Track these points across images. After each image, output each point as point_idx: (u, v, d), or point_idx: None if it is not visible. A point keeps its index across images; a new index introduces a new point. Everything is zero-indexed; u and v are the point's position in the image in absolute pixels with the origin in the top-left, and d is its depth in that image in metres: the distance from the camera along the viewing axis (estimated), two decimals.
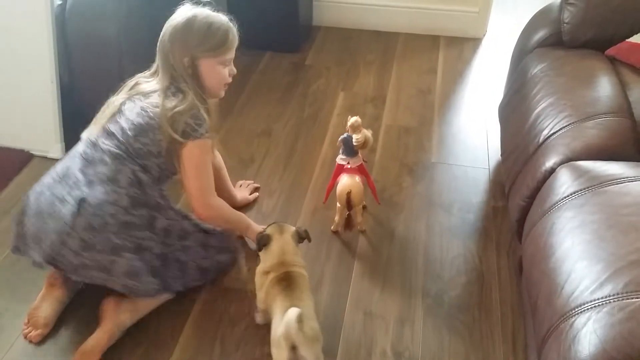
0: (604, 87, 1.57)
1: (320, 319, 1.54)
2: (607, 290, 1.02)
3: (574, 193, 1.27)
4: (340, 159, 1.79)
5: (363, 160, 1.81)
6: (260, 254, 1.49)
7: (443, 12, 2.94)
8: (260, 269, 1.48)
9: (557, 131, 1.47)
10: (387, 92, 2.53)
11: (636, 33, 1.72)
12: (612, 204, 1.19)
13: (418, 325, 1.55)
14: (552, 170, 1.39)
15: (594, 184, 1.25)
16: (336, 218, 1.80)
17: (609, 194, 1.22)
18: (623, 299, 0.99)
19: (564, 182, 1.31)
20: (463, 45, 2.92)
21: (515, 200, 1.52)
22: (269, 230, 1.49)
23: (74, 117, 2.20)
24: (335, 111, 2.41)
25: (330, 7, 3.03)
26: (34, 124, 2.08)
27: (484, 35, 3.00)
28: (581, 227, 1.17)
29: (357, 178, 1.74)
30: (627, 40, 1.72)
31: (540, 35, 1.89)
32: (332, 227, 1.83)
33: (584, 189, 1.26)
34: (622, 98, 1.53)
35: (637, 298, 0.98)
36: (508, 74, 2.10)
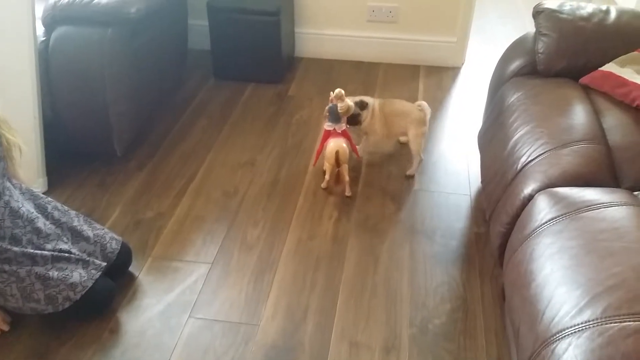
0: (579, 115, 1.61)
1: (305, 350, 1.55)
2: (586, 315, 1.03)
3: (552, 219, 1.29)
4: (328, 125, 2.11)
5: (345, 125, 2.12)
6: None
7: (422, 42, 3.00)
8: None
9: (534, 158, 1.51)
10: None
11: (608, 62, 1.77)
12: (589, 230, 1.22)
13: (404, 355, 1.55)
14: (530, 197, 1.42)
15: (571, 210, 1.28)
16: (327, 176, 2.12)
17: (586, 220, 1.25)
18: (602, 324, 1.01)
19: (542, 209, 1.34)
20: (442, 74, 2.98)
21: (496, 227, 1.54)
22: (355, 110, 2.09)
23: (57, 152, 2.21)
24: (319, 140, 2.43)
25: (312, 39, 3.08)
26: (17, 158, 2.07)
27: (463, 64, 3.07)
28: (560, 253, 1.20)
29: (343, 140, 2.07)
30: (599, 69, 1.77)
31: (516, 64, 1.94)
32: (322, 185, 2.13)
33: (562, 215, 1.29)
34: (596, 125, 1.57)
35: (616, 323, 0.99)
36: (486, 103, 2.14)
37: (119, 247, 1.73)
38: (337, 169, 2.10)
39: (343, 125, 2.11)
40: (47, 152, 2.09)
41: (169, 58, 2.60)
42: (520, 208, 1.44)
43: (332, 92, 2.08)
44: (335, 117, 2.09)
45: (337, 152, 2.03)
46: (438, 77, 2.96)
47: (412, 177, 2.22)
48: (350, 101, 2.07)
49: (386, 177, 2.23)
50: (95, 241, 1.68)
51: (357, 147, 2.27)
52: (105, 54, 1.99)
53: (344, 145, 2.06)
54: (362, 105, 2.15)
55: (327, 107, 2.10)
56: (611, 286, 1.06)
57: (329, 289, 1.74)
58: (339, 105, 2.06)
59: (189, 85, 2.86)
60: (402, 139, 2.33)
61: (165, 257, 1.86)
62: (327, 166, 2.10)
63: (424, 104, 2.19)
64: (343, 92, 2.07)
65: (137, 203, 2.08)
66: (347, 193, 2.12)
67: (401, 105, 2.20)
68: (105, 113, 2.06)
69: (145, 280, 1.78)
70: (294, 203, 2.09)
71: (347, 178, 2.10)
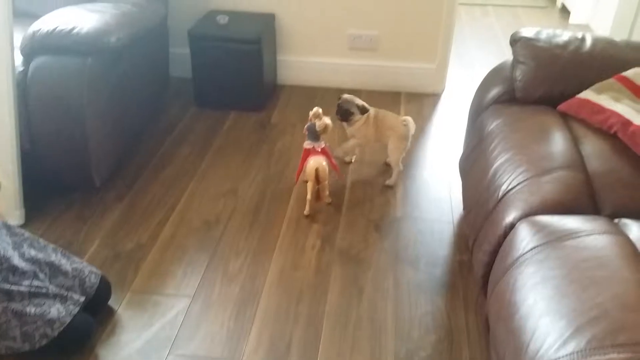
0: (558, 142, 1.63)
1: None
2: (570, 347, 1.02)
3: (534, 248, 1.29)
4: (307, 143, 2.17)
5: (325, 144, 2.18)
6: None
7: (403, 69, 3.04)
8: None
9: (515, 186, 1.51)
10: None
11: (584, 89, 1.80)
12: (571, 259, 1.21)
13: None
14: (512, 226, 1.42)
15: (553, 239, 1.28)
16: (308, 196, 2.13)
17: (567, 249, 1.25)
18: (586, 357, 1.00)
19: (524, 238, 1.34)
20: (423, 101, 3.01)
21: (479, 256, 1.54)
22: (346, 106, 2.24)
23: (35, 183, 2.18)
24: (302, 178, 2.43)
25: (293, 66, 3.10)
26: None
27: (443, 90, 3.10)
28: (543, 283, 1.19)
29: (322, 158, 2.12)
30: (576, 96, 1.80)
31: (494, 92, 1.96)
32: (305, 212, 2.16)
33: (544, 243, 1.28)
34: (575, 152, 1.58)
35: (600, 355, 0.98)
36: (466, 130, 2.16)
37: (98, 281, 1.69)
38: (317, 187, 2.14)
39: (322, 144, 2.17)
40: (24, 183, 2.06)
41: (150, 86, 2.59)
42: (502, 237, 1.44)
43: (310, 111, 2.14)
44: (314, 135, 2.14)
45: (316, 170, 2.08)
46: (419, 103, 2.98)
47: (390, 187, 2.32)
48: (327, 120, 2.13)
49: (369, 205, 2.22)
50: (73, 275, 1.64)
51: (335, 161, 2.31)
52: (84, 83, 1.98)
53: (324, 163, 2.11)
54: (363, 110, 2.28)
55: (306, 126, 2.16)
56: (594, 317, 1.06)
57: (312, 321, 1.72)
58: (317, 123, 2.11)
59: (170, 113, 2.84)
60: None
61: (145, 290, 1.82)
62: (308, 184, 2.14)
63: (409, 119, 2.29)
64: (321, 110, 2.14)
65: (116, 235, 2.04)
66: (327, 201, 2.21)
67: (391, 118, 2.32)
68: (84, 143, 2.03)
69: (125, 314, 1.73)
70: (277, 232, 2.07)
71: (326, 193, 2.18)
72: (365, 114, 2.28)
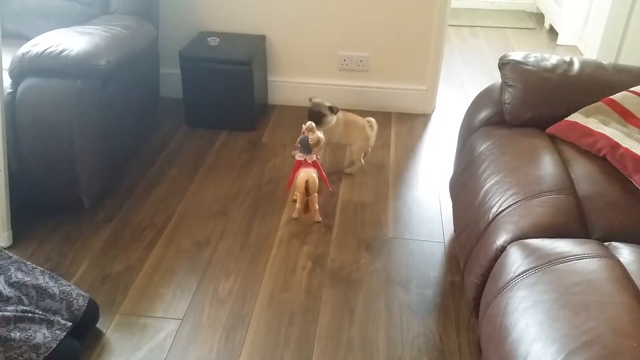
0: (547, 165, 1.64)
1: None
2: None
3: (525, 272, 1.29)
4: (299, 155, 2.23)
5: (316, 157, 2.25)
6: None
7: (393, 90, 3.06)
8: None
9: (505, 209, 1.52)
10: (342, 168, 2.58)
11: (573, 112, 1.82)
12: (562, 283, 1.21)
13: None
14: (502, 248, 1.42)
15: (544, 263, 1.28)
16: (297, 205, 2.22)
17: (558, 273, 1.25)
18: None
19: (515, 261, 1.34)
20: (413, 121, 3.02)
21: (470, 278, 1.53)
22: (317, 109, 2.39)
23: (23, 204, 2.15)
24: (292, 188, 2.42)
25: (284, 87, 3.11)
26: None
27: (433, 111, 3.13)
28: (534, 307, 1.19)
29: (313, 170, 2.19)
30: (565, 119, 1.81)
31: (484, 114, 1.97)
32: (293, 214, 2.24)
33: (535, 267, 1.28)
34: (564, 175, 1.59)
35: None
36: (456, 151, 2.17)
37: (86, 304, 1.67)
38: (306, 198, 2.19)
39: (314, 156, 2.23)
40: (12, 204, 2.03)
41: (140, 107, 2.59)
42: (493, 259, 1.44)
43: (304, 125, 2.21)
44: (306, 148, 2.20)
45: (306, 182, 2.14)
46: (409, 124, 3.00)
47: (350, 174, 2.53)
48: (320, 134, 2.22)
49: (360, 225, 2.22)
50: (61, 298, 1.62)
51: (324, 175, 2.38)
52: (73, 105, 1.97)
53: (314, 175, 2.17)
54: (332, 109, 2.43)
55: (298, 139, 2.22)
56: (586, 342, 1.05)
57: (303, 345, 1.70)
58: (310, 136, 2.17)
59: (160, 133, 2.84)
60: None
61: (134, 313, 1.80)
62: (298, 195, 2.20)
63: (373, 120, 2.53)
64: (314, 124, 2.21)
65: (104, 256, 2.02)
66: (317, 219, 2.25)
67: (356, 119, 2.52)
68: (73, 165, 2.02)
69: (113, 338, 1.71)
70: (267, 253, 2.06)
71: (316, 206, 2.22)
72: (336, 113, 2.44)
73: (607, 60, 2.03)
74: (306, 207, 2.22)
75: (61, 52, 1.97)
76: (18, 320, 1.49)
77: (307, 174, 2.15)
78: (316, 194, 2.20)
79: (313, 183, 2.16)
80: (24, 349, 1.47)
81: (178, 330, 1.73)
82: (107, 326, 1.74)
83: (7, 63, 2.01)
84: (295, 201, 2.25)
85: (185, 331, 1.73)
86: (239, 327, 1.75)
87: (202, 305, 1.83)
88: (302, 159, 2.21)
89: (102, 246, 2.07)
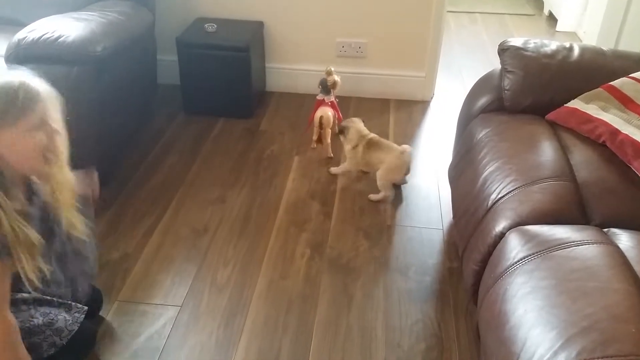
0: (547, 151, 1.63)
1: None
2: (561, 358, 1.02)
3: (524, 258, 1.29)
4: (319, 96, 2.53)
5: (334, 98, 2.55)
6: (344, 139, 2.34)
7: (391, 76, 3.04)
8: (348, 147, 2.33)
9: (504, 195, 1.51)
10: (340, 155, 2.57)
11: (572, 98, 1.81)
12: (561, 269, 1.21)
13: None
14: (501, 235, 1.42)
15: (543, 249, 1.28)
16: (314, 137, 2.55)
17: (557, 259, 1.25)
18: None
19: (514, 247, 1.34)
20: (412, 108, 3.01)
21: (469, 265, 1.54)
22: (344, 124, 2.38)
23: None
24: (291, 176, 2.42)
25: (282, 74, 3.09)
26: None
27: (432, 97, 3.11)
28: (533, 293, 1.19)
29: (329, 109, 2.49)
30: (565, 105, 1.80)
31: (483, 101, 1.96)
32: (312, 145, 2.58)
33: (534, 254, 1.28)
34: (564, 161, 1.59)
35: None
36: (455, 138, 2.16)
37: (91, 291, 1.67)
38: (320, 131, 2.50)
39: (332, 97, 2.53)
40: None
41: (137, 94, 2.57)
42: (492, 246, 1.44)
43: (325, 68, 2.53)
44: (325, 89, 2.52)
45: (321, 117, 2.45)
46: (408, 110, 2.99)
47: (371, 201, 2.30)
48: (337, 77, 2.52)
49: (359, 213, 2.22)
50: (66, 285, 1.62)
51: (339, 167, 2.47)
52: (69, 92, 1.94)
53: (329, 113, 2.47)
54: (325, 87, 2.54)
55: (319, 81, 2.51)
56: (585, 328, 1.05)
57: (302, 332, 1.70)
58: (328, 78, 2.49)
59: (158, 120, 2.82)
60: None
61: (133, 300, 1.80)
62: (314, 129, 2.52)
63: (407, 150, 2.24)
64: (333, 68, 2.53)
65: (103, 244, 2.01)
66: (329, 154, 2.53)
67: (386, 146, 2.29)
68: (70, 152, 2.00)
69: (112, 325, 1.71)
70: (266, 241, 2.06)
71: (328, 141, 2.50)
72: (356, 133, 2.32)
73: (606, 46, 2.02)
74: (319, 138, 2.54)
75: (57, 38, 1.96)
76: (38, 303, 1.48)
77: (322, 111, 2.47)
78: (329, 130, 2.48)
79: (327, 119, 2.45)
80: (47, 334, 1.47)
81: (177, 317, 1.74)
82: (106, 313, 1.75)
83: (3, 49, 1.99)
84: (316, 140, 2.57)
85: (185, 318, 1.74)
86: (237, 315, 1.75)
87: (201, 292, 1.83)
88: (322, 98, 2.52)
89: (100, 234, 2.06)
